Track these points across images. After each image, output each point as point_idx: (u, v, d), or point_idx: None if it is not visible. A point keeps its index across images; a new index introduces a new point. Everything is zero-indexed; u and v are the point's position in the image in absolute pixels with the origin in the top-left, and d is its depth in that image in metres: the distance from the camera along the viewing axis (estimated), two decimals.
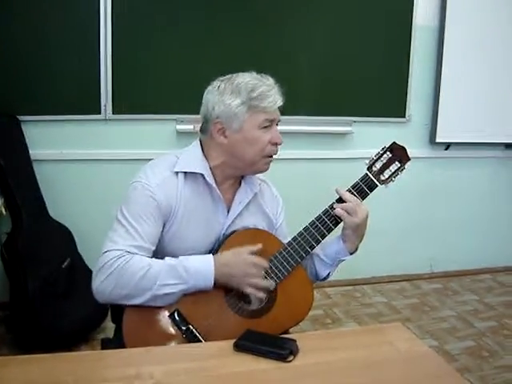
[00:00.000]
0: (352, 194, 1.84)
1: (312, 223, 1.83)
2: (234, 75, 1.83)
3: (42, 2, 3.28)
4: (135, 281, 1.64)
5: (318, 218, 1.83)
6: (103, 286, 1.65)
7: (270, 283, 1.77)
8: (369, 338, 1.71)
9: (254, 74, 1.82)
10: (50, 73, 3.36)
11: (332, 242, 1.91)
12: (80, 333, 3.21)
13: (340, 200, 1.83)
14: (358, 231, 1.87)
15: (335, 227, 1.85)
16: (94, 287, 1.68)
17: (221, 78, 1.84)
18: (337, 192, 1.84)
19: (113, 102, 3.46)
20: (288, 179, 3.31)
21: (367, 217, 1.85)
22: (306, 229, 1.83)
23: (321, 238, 1.84)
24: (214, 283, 1.71)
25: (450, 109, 4.15)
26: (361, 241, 1.92)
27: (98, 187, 3.56)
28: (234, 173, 1.87)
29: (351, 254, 1.92)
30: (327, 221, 1.83)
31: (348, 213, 1.81)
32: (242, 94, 1.76)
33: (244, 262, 1.73)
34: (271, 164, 1.87)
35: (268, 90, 1.77)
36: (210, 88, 1.84)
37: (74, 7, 3.33)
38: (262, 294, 1.76)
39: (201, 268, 1.70)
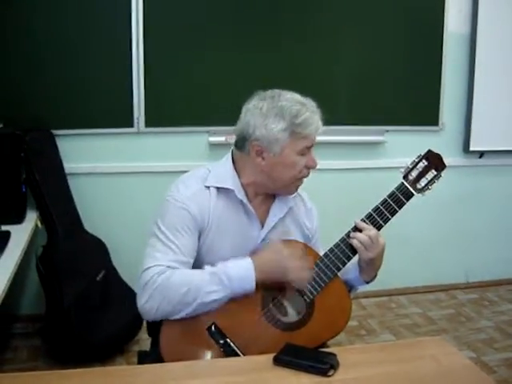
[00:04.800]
0: (373, 218, 1.81)
1: (331, 250, 1.82)
2: (277, 95, 1.79)
3: (77, 19, 3.32)
4: (180, 295, 1.64)
5: (337, 246, 1.82)
6: (149, 305, 1.65)
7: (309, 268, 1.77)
8: (409, 351, 1.69)
9: (297, 96, 1.80)
10: (83, 87, 3.40)
11: (350, 270, 1.90)
12: (115, 345, 3.23)
13: (357, 228, 1.81)
14: (373, 265, 1.84)
15: (354, 256, 1.83)
16: (139, 306, 1.68)
17: (262, 96, 1.81)
18: (356, 224, 1.82)
19: (145, 115, 3.49)
20: (321, 190, 3.29)
21: (383, 250, 1.83)
22: (326, 255, 1.82)
23: (341, 266, 1.81)
24: (256, 284, 1.70)
25: (483, 116, 4.10)
26: (377, 271, 1.89)
27: (132, 200, 3.59)
28: (264, 191, 1.87)
29: (367, 282, 1.91)
30: (345, 249, 1.81)
31: (364, 246, 1.79)
32: (285, 119, 1.73)
33: (281, 256, 1.73)
34: None
35: (311, 117, 1.75)
36: (250, 106, 1.80)
37: (107, 22, 3.37)
38: (305, 283, 1.76)
39: (242, 275, 1.69)
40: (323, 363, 1.49)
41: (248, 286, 1.69)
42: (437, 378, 1.52)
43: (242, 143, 1.83)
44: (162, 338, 1.68)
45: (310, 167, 1.81)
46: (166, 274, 1.65)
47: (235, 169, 1.85)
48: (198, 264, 1.78)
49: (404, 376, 1.52)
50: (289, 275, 1.73)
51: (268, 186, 1.85)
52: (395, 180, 1.85)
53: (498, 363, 3.23)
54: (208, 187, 1.81)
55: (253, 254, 1.77)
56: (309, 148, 1.79)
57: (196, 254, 1.78)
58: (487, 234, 4.38)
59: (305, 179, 1.87)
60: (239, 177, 1.84)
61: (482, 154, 4.23)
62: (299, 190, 1.96)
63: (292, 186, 1.85)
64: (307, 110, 1.76)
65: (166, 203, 1.79)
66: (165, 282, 1.64)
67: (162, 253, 1.70)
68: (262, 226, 1.87)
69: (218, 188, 1.81)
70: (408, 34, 3.89)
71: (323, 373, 1.47)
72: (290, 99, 1.77)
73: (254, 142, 1.77)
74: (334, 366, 1.50)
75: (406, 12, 3.85)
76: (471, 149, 4.14)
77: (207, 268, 1.71)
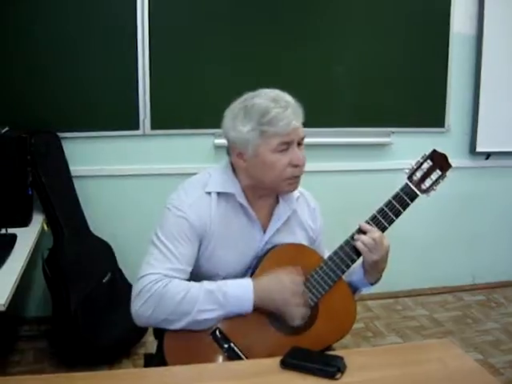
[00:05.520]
0: (377, 220, 1.80)
1: (335, 253, 1.80)
2: (255, 94, 1.76)
3: (82, 21, 3.33)
4: (173, 306, 1.63)
5: (341, 248, 1.80)
6: (142, 311, 1.65)
7: (306, 311, 1.75)
8: (416, 354, 1.68)
9: (273, 93, 1.76)
10: (88, 90, 3.41)
11: (354, 272, 1.88)
12: (121, 347, 3.23)
13: (361, 230, 1.80)
14: (377, 267, 1.83)
15: (358, 258, 1.81)
16: (132, 311, 1.68)
17: (242, 98, 1.79)
18: (360, 226, 1.80)
19: (151, 117, 3.49)
20: (327, 191, 3.29)
21: (388, 252, 1.81)
22: (330, 258, 1.80)
23: (346, 268, 1.80)
24: (253, 308, 1.69)
25: (489, 117, 4.09)
26: (381, 273, 1.88)
27: (138, 202, 3.59)
28: (262, 193, 1.85)
29: (372, 284, 1.89)
30: (349, 251, 1.80)
31: (368, 248, 1.77)
32: (252, 120, 1.71)
33: (285, 290, 1.71)
34: (309, 176, 1.84)
35: (280, 113, 1.69)
36: (227, 110, 1.80)
37: (112, 23, 3.38)
38: (298, 322, 1.73)
39: (240, 294, 1.68)
40: (330, 366, 1.48)
41: (245, 307, 1.68)
42: (443, 381, 1.51)
43: (228, 148, 1.83)
44: (165, 344, 1.67)
45: (295, 165, 1.75)
46: (162, 282, 1.65)
47: (234, 173, 1.85)
48: (199, 271, 1.78)
49: (411, 379, 1.51)
50: (286, 309, 1.71)
51: (260, 188, 1.82)
52: (401, 181, 1.84)
53: (505, 365, 3.22)
54: (209, 193, 1.80)
55: (255, 277, 1.75)
56: (288, 144, 1.73)
57: (197, 261, 1.78)
58: (494, 236, 4.37)
59: (305, 178, 1.83)
60: (239, 180, 1.83)
61: (488, 155, 4.22)
62: (302, 190, 1.95)
63: (283, 184, 1.79)
64: (277, 105, 1.70)
65: (165, 211, 1.78)
66: (160, 290, 1.63)
67: (159, 261, 1.69)
68: (265, 229, 1.86)
69: (218, 193, 1.80)
70: (414, 35, 3.88)
71: (330, 376, 1.47)
72: (264, 97, 1.74)
73: (232, 145, 1.77)
74: (341, 368, 1.49)
75: (412, 13, 3.85)
76: (477, 150, 4.14)
77: (205, 284, 1.70)
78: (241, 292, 1.68)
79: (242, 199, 1.81)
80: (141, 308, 1.65)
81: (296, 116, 1.73)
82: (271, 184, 1.78)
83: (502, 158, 4.25)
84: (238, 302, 1.67)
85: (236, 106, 1.78)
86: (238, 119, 1.73)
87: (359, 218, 1.85)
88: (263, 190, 1.84)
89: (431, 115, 4.04)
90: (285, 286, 1.71)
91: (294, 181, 1.80)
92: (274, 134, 1.70)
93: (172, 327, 1.65)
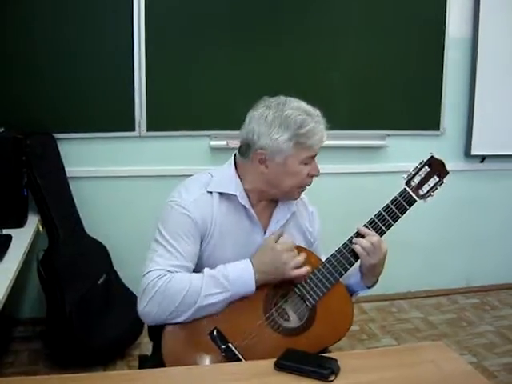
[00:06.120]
0: (375, 224, 1.82)
1: (333, 255, 1.81)
2: (282, 102, 1.78)
3: (79, 23, 3.33)
4: (179, 299, 1.64)
5: (339, 251, 1.82)
6: (148, 309, 1.65)
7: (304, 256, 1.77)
8: (410, 356, 1.69)
9: (303, 105, 1.79)
10: (84, 91, 3.41)
11: (352, 275, 1.89)
12: (116, 349, 3.22)
13: (359, 234, 1.82)
14: (374, 270, 1.85)
15: (356, 261, 1.83)
16: (139, 310, 1.68)
17: (267, 103, 1.80)
18: (358, 230, 1.82)
19: (147, 119, 3.49)
20: (322, 194, 3.28)
21: (385, 256, 1.83)
22: (328, 261, 1.81)
23: (344, 271, 1.81)
24: (258, 288, 1.71)
25: (484, 121, 4.09)
26: (378, 277, 1.90)
27: (133, 204, 3.59)
28: (267, 197, 1.88)
29: (369, 287, 1.91)
30: (347, 255, 1.81)
31: (366, 252, 1.79)
32: (289, 129, 1.73)
33: (276, 253, 1.72)
34: None
35: (316, 127, 1.75)
36: (256, 114, 1.80)
37: (109, 25, 3.39)
38: (306, 270, 1.75)
39: (241, 274, 1.70)
40: (324, 368, 1.49)
41: (248, 287, 1.69)
42: (438, 383, 1.51)
43: (245, 150, 1.83)
44: (163, 343, 1.67)
45: (312, 175, 1.82)
46: (165, 277, 1.65)
47: (238, 174, 1.86)
48: (199, 269, 1.78)
49: (404, 381, 1.52)
50: (286, 269, 1.73)
51: (270, 193, 1.85)
52: (397, 184, 1.86)
53: (499, 368, 3.22)
54: (210, 192, 1.81)
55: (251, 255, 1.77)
56: (312, 157, 1.80)
57: (197, 260, 1.78)
58: (488, 239, 4.37)
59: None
60: (242, 182, 1.84)
61: (483, 158, 4.22)
62: None
63: (294, 192, 1.85)
64: (312, 119, 1.75)
65: (167, 208, 1.79)
66: (164, 285, 1.64)
67: (163, 257, 1.70)
68: (265, 231, 1.87)
69: (220, 193, 1.81)
70: (409, 38, 3.88)
71: (324, 378, 1.47)
72: (296, 108, 1.76)
73: (259, 151, 1.77)
74: (335, 371, 1.49)
75: (408, 16, 3.85)
76: (472, 153, 4.14)
77: (206, 271, 1.71)
78: (242, 272, 1.70)
79: (243, 201, 1.82)
80: (147, 306, 1.65)
81: (325, 131, 1.79)
82: (287, 190, 1.83)
83: (497, 161, 4.25)
84: (240, 283, 1.69)
85: (267, 113, 1.77)
86: (274, 127, 1.74)
87: (355, 219, 1.87)
88: (272, 196, 1.87)
89: (426, 118, 4.04)
90: (277, 250, 1.73)
91: (304, 189, 1.87)
92: (308, 147, 1.76)
93: (181, 319, 1.66)
